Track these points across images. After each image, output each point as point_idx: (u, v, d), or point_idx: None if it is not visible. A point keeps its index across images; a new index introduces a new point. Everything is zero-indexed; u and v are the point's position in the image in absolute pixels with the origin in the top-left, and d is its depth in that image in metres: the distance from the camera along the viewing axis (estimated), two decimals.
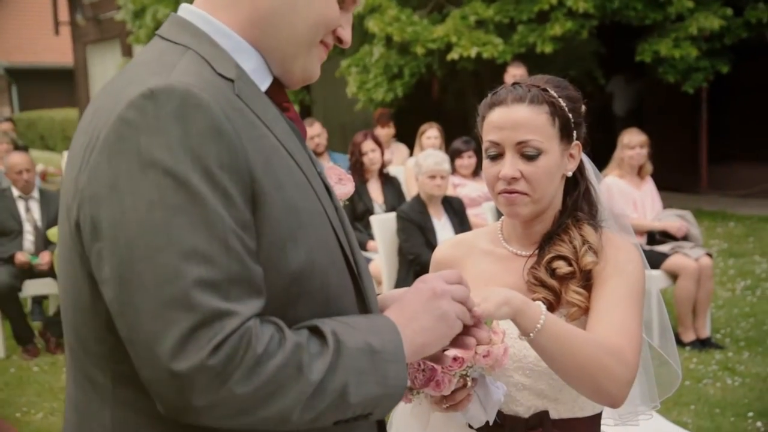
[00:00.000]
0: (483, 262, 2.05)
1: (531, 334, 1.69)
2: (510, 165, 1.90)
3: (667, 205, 6.81)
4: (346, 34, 1.45)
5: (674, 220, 6.27)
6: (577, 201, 2.00)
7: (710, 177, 12.63)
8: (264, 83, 1.38)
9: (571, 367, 1.74)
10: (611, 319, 1.82)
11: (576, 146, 1.96)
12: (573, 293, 1.88)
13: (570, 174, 1.97)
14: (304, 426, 1.22)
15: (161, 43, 1.35)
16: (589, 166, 2.05)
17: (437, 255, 2.15)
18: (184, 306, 1.12)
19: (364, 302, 1.42)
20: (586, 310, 1.88)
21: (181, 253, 1.13)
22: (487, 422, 1.91)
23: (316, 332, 1.25)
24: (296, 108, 14.84)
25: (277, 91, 1.41)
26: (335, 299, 1.33)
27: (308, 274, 1.28)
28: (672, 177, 10.81)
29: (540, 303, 1.74)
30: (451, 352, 1.70)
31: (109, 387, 1.27)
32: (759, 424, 4.60)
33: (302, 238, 1.27)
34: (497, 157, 1.92)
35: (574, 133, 1.95)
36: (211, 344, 1.12)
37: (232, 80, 1.29)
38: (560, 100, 1.92)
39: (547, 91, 1.92)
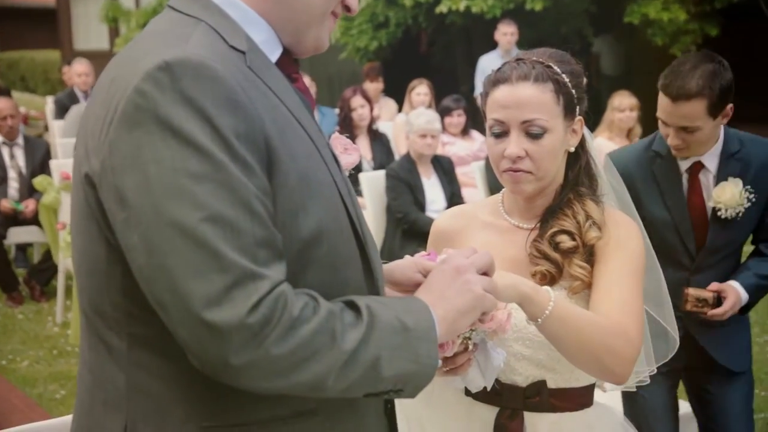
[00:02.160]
0: (484, 233, 2.06)
1: (539, 320, 1.73)
2: (515, 144, 1.90)
3: None
4: (354, 2, 1.48)
5: None
6: (579, 175, 2.02)
7: None
8: (274, 54, 1.40)
9: (577, 350, 1.78)
10: (614, 297, 1.85)
11: (579, 122, 1.97)
12: (577, 267, 1.91)
13: (573, 149, 1.98)
14: (337, 395, 1.26)
15: (172, 14, 1.36)
16: (589, 138, 2.06)
17: (437, 225, 2.16)
18: (217, 268, 1.15)
19: (370, 270, 1.44)
20: (588, 285, 1.91)
21: (209, 218, 1.16)
22: (485, 388, 1.95)
23: (351, 305, 1.28)
24: None
25: (286, 61, 1.43)
26: (342, 267, 1.36)
27: (317, 242, 1.30)
28: None
29: (548, 288, 1.78)
30: None
31: (124, 350, 1.29)
32: None
33: (312, 207, 1.30)
34: (502, 135, 1.93)
35: (577, 109, 1.95)
36: (248, 303, 1.15)
37: (243, 52, 1.30)
38: (564, 76, 1.92)
39: (551, 67, 1.91)
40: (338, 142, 1.71)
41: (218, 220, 1.16)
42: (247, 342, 1.15)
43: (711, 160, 2.95)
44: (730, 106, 2.87)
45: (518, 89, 1.89)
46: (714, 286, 2.94)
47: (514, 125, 1.90)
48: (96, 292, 1.32)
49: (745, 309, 3.02)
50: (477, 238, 2.05)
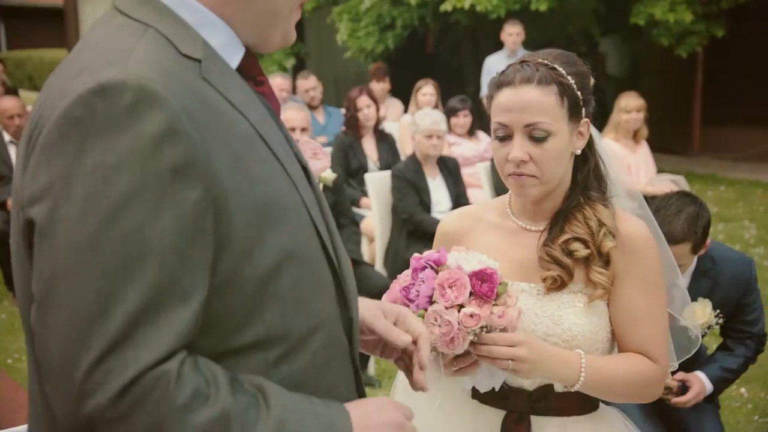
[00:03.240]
0: (491, 235, 2.05)
1: (572, 389, 1.87)
2: (518, 148, 1.88)
3: (659, 167, 6.83)
4: None
5: (667, 185, 6.27)
6: (587, 177, 2.00)
7: (703, 140, 12.65)
8: (235, 58, 1.27)
9: (612, 398, 1.97)
10: (641, 332, 1.92)
11: (585, 123, 1.95)
12: (597, 274, 1.91)
13: (579, 152, 1.96)
14: None
15: (119, 18, 1.21)
16: (597, 139, 2.04)
17: (444, 226, 2.15)
18: (98, 332, 1.03)
19: (343, 297, 1.34)
20: (608, 292, 1.93)
21: (106, 273, 1.04)
22: (493, 389, 1.95)
23: (262, 403, 1.14)
24: (292, 61, 14.52)
25: (250, 63, 1.30)
26: (310, 298, 1.24)
27: (275, 276, 1.18)
28: (665, 139, 10.82)
29: (580, 352, 1.87)
30: (468, 309, 1.75)
31: None
32: (743, 390, 4.67)
33: (272, 237, 1.17)
34: (505, 138, 1.91)
35: (583, 111, 1.93)
36: (122, 379, 1.02)
37: (199, 60, 1.18)
38: (569, 78, 1.89)
39: (556, 69, 1.89)
40: (308, 146, 1.68)
41: (118, 275, 1.03)
42: (115, 423, 1.04)
43: (683, 279, 3.12)
44: (709, 240, 3.10)
45: (521, 92, 1.88)
46: (680, 375, 3.13)
47: (518, 129, 1.88)
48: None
49: (710, 398, 3.23)
50: (483, 240, 2.03)
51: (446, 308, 1.76)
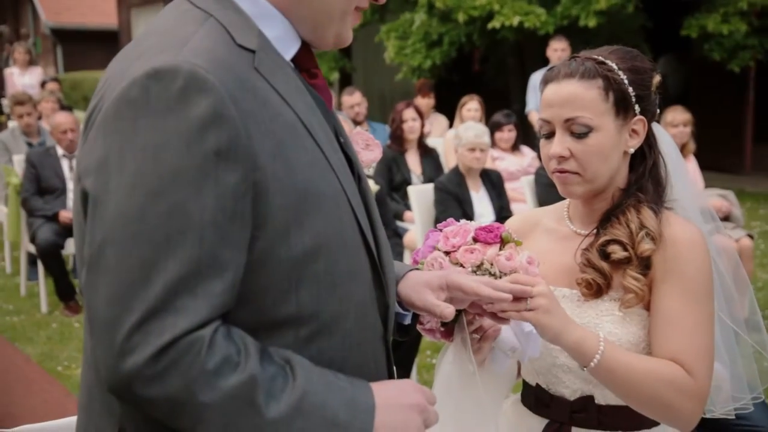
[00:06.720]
0: (543, 239, 2.02)
1: (586, 368, 1.73)
2: (558, 143, 1.84)
3: (710, 184, 6.73)
4: None
5: (716, 199, 6.20)
6: (641, 179, 1.90)
7: (754, 158, 12.44)
8: (290, 50, 1.34)
9: (631, 401, 1.77)
10: (674, 338, 1.77)
11: (639, 121, 1.86)
12: (631, 278, 1.81)
13: (632, 151, 1.88)
14: None
15: (184, 4, 1.30)
16: (663, 139, 1.95)
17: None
18: (141, 297, 1.11)
19: (380, 282, 1.39)
20: (642, 299, 1.82)
21: (151, 243, 1.12)
22: (535, 399, 1.93)
23: (289, 374, 1.20)
24: (336, 75, 14.67)
25: (305, 56, 1.37)
26: (344, 282, 1.30)
27: (311, 259, 1.24)
28: (716, 157, 10.68)
29: (599, 334, 1.74)
30: (468, 247, 1.76)
31: None
32: None
33: (309, 222, 1.23)
34: (549, 135, 1.87)
35: (636, 108, 1.85)
36: (160, 341, 1.10)
37: (253, 51, 1.25)
38: (620, 72, 1.83)
39: (605, 63, 1.83)
40: (359, 137, 1.70)
41: (162, 246, 1.11)
42: (150, 381, 1.11)
43: None
44: None
45: (563, 87, 1.84)
46: None
47: (558, 124, 1.85)
48: None
49: None
50: (536, 244, 2.00)
51: (446, 253, 1.76)
